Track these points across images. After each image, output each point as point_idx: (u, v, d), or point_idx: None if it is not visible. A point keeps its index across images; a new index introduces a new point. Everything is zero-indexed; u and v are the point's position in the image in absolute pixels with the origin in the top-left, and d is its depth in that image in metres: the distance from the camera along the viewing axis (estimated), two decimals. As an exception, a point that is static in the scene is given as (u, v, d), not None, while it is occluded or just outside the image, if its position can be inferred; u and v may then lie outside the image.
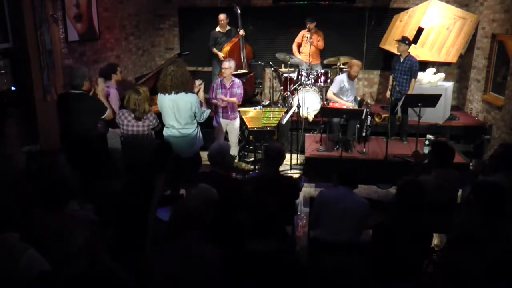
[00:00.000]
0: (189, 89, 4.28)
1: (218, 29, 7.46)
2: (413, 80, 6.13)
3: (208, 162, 3.66)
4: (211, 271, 2.32)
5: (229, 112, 5.67)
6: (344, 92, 6.13)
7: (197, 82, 4.59)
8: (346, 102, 6.09)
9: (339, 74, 7.16)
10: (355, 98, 6.38)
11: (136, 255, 2.82)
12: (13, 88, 4.29)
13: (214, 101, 5.59)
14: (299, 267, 2.37)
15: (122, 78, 5.22)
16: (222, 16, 7.36)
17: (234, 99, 5.60)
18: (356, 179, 3.43)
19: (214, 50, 7.45)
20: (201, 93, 4.56)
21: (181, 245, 2.36)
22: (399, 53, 6.18)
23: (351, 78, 6.07)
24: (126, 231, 3.05)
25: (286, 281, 2.28)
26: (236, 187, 3.56)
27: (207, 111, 4.49)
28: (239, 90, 5.62)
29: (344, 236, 3.27)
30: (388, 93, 5.98)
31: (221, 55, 7.30)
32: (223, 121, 5.70)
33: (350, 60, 6.27)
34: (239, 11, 7.34)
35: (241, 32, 7.32)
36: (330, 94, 6.17)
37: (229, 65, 5.50)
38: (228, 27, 7.47)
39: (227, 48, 7.35)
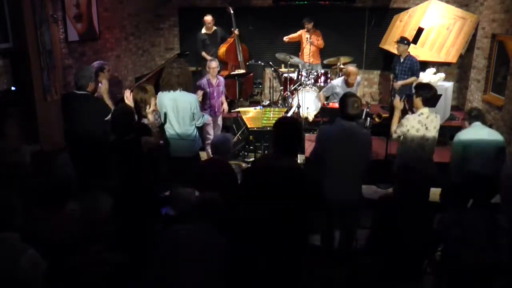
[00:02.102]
0: (190, 88, 4.31)
1: (204, 30, 7.30)
2: (413, 77, 6.14)
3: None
4: (215, 257, 2.44)
5: (216, 109, 5.88)
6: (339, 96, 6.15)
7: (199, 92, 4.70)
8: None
9: (339, 74, 7.18)
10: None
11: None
12: (13, 88, 4.28)
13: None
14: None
15: (110, 76, 5.18)
16: (209, 18, 7.19)
17: (223, 98, 5.97)
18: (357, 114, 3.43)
19: (204, 54, 7.25)
20: (200, 99, 4.63)
21: (190, 229, 2.51)
22: (399, 54, 6.19)
23: (348, 85, 6.02)
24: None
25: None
26: (236, 175, 3.76)
27: (206, 116, 4.51)
28: (222, 87, 5.90)
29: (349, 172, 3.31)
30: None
31: (208, 58, 7.00)
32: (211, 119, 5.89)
33: (347, 68, 6.19)
34: (232, 11, 7.30)
35: (236, 31, 7.29)
36: (321, 94, 6.32)
37: (216, 65, 5.73)
38: (214, 28, 7.34)
39: (223, 48, 7.31)
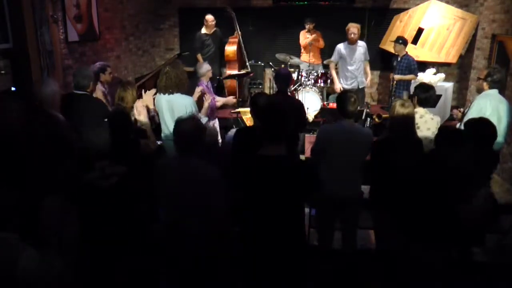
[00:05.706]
0: (184, 90, 4.27)
1: (204, 30, 7.28)
2: (412, 75, 6.19)
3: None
4: (209, 187, 2.55)
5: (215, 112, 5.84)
6: (346, 59, 6.48)
7: (198, 88, 4.64)
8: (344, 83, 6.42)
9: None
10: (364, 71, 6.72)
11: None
12: (13, 88, 4.28)
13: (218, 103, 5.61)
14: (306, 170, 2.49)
15: (112, 79, 5.11)
16: (210, 18, 7.18)
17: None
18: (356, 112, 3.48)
19: (199, 56, 7.26)
20: (206, 103, 4.62)
21: (182, 160, 2.67)
22: (396, 53, 6.26)
23: (350, 42, 6.39)
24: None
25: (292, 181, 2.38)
26: None
27: (204, 119, 4.47)
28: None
29: (349, 173, 3.36)
30: (405, 94, 5.63)
31: (201, 61, 7.13)
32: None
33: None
34: (233, 13, 7.36)
35: (240, 33, 7.38)
36: (331, 65, 6.79)
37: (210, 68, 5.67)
38: (214, 28, 7.34)
39: (233, 48, 7.37)
